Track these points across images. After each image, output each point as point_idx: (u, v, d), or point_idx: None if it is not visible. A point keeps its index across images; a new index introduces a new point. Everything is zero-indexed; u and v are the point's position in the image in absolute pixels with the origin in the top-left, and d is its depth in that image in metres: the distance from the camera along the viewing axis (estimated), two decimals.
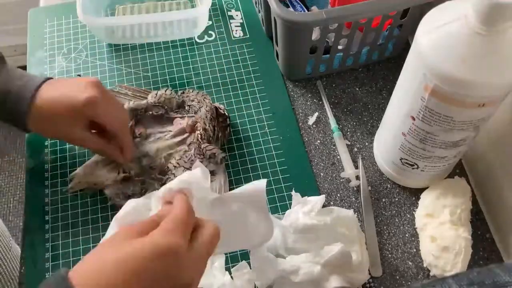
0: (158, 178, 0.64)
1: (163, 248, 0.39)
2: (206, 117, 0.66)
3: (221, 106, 0.70)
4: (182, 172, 0.63)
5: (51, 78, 0.61)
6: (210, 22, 0.82)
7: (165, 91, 0.70)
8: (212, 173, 0.65)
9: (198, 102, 0.69)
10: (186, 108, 0.69)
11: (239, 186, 0.66)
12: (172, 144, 0.67)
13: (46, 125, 0.60)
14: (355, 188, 0.66)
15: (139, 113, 0.69)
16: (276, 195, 0.66)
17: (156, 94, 0.69)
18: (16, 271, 0.81)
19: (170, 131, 0.68)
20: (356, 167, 0.68)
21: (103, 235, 0.63)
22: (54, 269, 0.61)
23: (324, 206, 0.65)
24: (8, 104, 0.58)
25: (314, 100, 0.74)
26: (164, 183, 0.64)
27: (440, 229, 0.59)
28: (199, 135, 0.65)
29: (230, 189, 0.65)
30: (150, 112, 0.69)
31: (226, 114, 0.69)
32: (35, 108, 0.58)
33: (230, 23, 0.83)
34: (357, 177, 0.66)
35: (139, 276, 0.38)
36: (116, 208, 0.64)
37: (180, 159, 0.64)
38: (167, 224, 0.41)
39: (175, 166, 0.64)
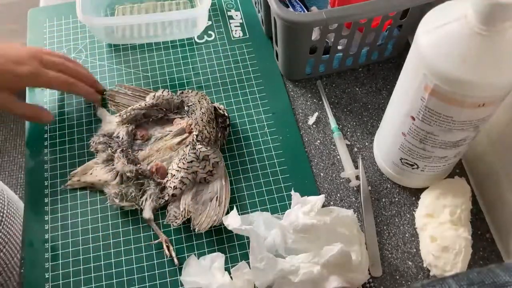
0: (158, 181, 0.64)
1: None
2: (202, 119, 0.66)
3: (221, 106, 0.69)
4: (183, 175, 0.63)
5: None
6: (210, 22, 0.82)
7: (163, 92, 0.70)
8: (212, 173, 0.65)
9: (196, 103, 0.69)
10: (186, 108, 0.69)
11: (239, 186, 0.66)
12: (172, 144, 0.67)
13: None
14: (355, 188, 0.66)
15: (139, 118, 0.69)
16: (276, 195, 0.66)
17: (154, 95, 0.69)
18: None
19: (171, 131, 0.68)
20: (356, 167, 0.68)
21: (103, 235, 0.63)
22: (54, 269, 0.61)
23: (324, 206, 0.65)
24: None
25: (314, 100, 0.74)
26: (164, 186, 0.64)
27: (440, 229, 0.59)
28: (194, 138, 0.65)
29: (231, 189, 0.65)
30: (150, 119, 0.69)
31: (226, 114, 0.69)
32: None
33: (230, 23, 0.83)
34: (357, 177, 0.66)
35: None
36: (115, 209, 0.64)
37: (179, 162, 0.64)
38: None
39: (177, 171, 0.64)
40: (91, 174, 0.66)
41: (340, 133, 0.70)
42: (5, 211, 0.79)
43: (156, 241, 0.62)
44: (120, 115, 0.69)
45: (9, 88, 0.63)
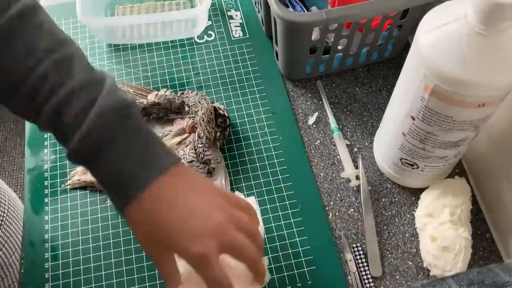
0: None
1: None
2: (203, 120, 0.66)
3: (221, 106, 0.69)
4: None
5: (181, 160, 0.48)
6: (210, 22, 0.82)
7: (165, 91, 0.70)
8: (211, 174, 0.65)
9: (196, 103, 0.69)
10: (186, 109, 0.69)
11: (239, 186, 0.66)
12: (173, 144, 0.67)
13: (146, 236, 0.46)
14: (355, 188, 0.66)
15: None
16: (275, 195, 0.65)
17: (156, 94, 0.70)
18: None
19: (170, 131, 0.68)
20: (356, 167, 0.68)
21: (103, 235, 0.63)
22: (54, 269, 0.61)
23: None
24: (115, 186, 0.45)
25: (314, 100, 0.74)
26: None
27: (440, 229, 0.59)
28: (195, 138, 0.65)
29: (231, 189, 0.65)
30: (151, 116, 0.69)
31: (226, 114, 0.69)
32: (138, 206, 0.44)
33: (230, 23, 0.83)
34: (357, 177, 0.66)
35: None
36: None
37: None
38: None
39: None
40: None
41: (340, 133, 0.70)
42: (6, 211, 0.79)
43: None
44: None
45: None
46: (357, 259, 0.61)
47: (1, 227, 0.77)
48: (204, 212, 0.45)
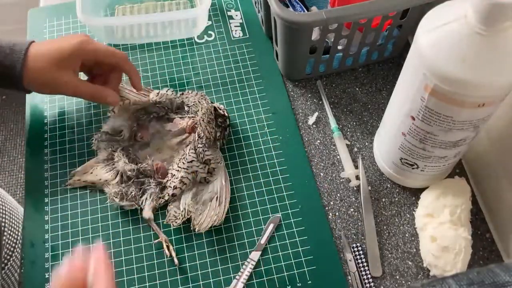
0: (158, 180, 0.64)
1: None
2: (203, 120, 0.66)
3: (221, 106, 0.69)
4: (183, 174, 0.63)
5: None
6: (210, 22, 0.82)
7: (167, 91, 0.70)
8: (211, 174, 0.65)
9: (195, 103, 0.69)
10: (186, 109, 0.70)
11: (239, 186, 0.66)
12: (172, 144, 0.67)
13: (40, 76, 0.62)
14: (355, 188, 0.66)
15: (140, 115, 0.69)
16: (275, 195, 0.65)
17: (158, 93, 0.70)
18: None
19: (170, 130, 0.68)
20: (356, 167, 0.68)
21: (103, 235, 0.63)
22: (54, 269, 0.61)
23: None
24: (1, 62, 0.61)
25: (314, 100, 0.74)
26: (164, 186, 0.64)
27: (440, 229, 0.59)
28: (195, 138, 0.65)
29: (231, 189, 0.65)
30: (151, 116, 0.69)
31: (226, 114, 0.69)
32: (28, 60, 0.61)
33: (230, 23, 0.83)
34: (357, 177, 0.66)
35: None
36: (115, 209, 0.64)
37: (179, 162, 0.64)
38: None
39: (177, 170, 0.64)
40: (91, 173, 0.66)
41: (340, 133, 0.70)
42: (7, 221, 0.79)
43: (156, 240, 0.62)
44: (122, 101, 0.69)
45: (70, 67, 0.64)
46: (357, 259, 0.61)
47: (1, 235, 0.77)
48: (67, 37, 0.64)
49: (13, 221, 0.80)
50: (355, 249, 0.62)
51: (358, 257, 0.61)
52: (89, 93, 0.65)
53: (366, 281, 0.60)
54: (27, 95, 0.74)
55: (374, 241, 0.62)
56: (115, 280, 0.60)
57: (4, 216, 0.79)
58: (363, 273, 0.60)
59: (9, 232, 0.79)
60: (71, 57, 0.62)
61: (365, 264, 0.61)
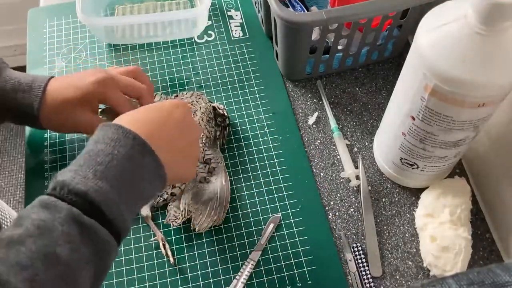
0: None
1: (178, 101, 0.54)
2: (202, 119, 0.66)
3: (220, 106, 0.69)
4: None
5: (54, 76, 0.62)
6: (210, 22, 0.82)
7: (154, 98, 0.69)
8: (211, 173, 0.65)
9: (193, 103, 0.68)
10: None
11: (239, 186, 0.66)
12: None
13: (57, 112, 0.59)
14: (355, 188, 0.66)
15: None
16: (275, 195, 0.65)
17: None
18: None
19: None
20: (356, 167, 0.68)
21: None
22: None
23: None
24: (20, 94, 0.58)
25: (314, 100, 0.74)
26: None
27: (440, 229, 0.59)
28: None
29: (231, 189, 0.65)
30: None
31: (226, 114, 0.69)
32: (47, 94, 0.58)
33: (230, 23, 0.83)
34: (357, 177, 0.66)
35: (169, 113, 0.50)
36: None
37: None
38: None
39: None
40: None
41: (340, 133, 0.70)
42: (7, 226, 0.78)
43: (153, 239, 0.62)
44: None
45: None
46: (357, 259, 0.61)
47: None
48: (86, 74, 0.60)
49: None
50: (355, 249, 0.62)
51: (358, 257, 0.61)
52: None
53: (366, 281, 0.60)
54: None
55: (374, 241, 0.62)
56: (115, 280, 0.60)
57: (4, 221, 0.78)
58: (363, 273, 0.60)
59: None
60: (87, 98, 0.58)
61: (365, 264, 0.61)
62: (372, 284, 0.59)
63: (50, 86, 0.59)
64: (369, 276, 0.60)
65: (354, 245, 0.62)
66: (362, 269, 0.60)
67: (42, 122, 0.60)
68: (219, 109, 0.69)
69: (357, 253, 0.61)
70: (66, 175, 0.42)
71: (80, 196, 0.40)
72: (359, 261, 0.61)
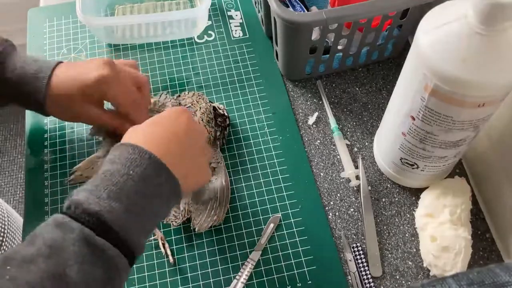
0: None
1: (179, 108, 0.53)
2: (202, 120, 0.66)
3: (220, 106, 0.69)
4: None
5: (62, 62, 0.61)
6: (210, 22, 0.82)
7: (160, 97, 0.69)
8: (211, 174, 0.65)
9: (193, 103, 0.68)
10: None
11: (239, 186, 0.66)
12: None
13: (62, 105, 0.59)
14: (355, 188, 0.66)
15: None
16: (275, 195, 0.65)
17: (154, 102, 0.68)
18: None
19: None
20: (356, 167, 0.68)
21: None
22: None
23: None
24: (26, 86, 0.58)
25: (314, 100, 0.74)
26: None
27: (440, 229, 0.59)
28: None
29: (231, 189, 0.65)
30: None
31: (226, 114, 0.69)
32: (51, 87, 0.58)
33: (230, 23, 0.83)
34: (357, 177, 0.66)
35: (175, 124, 0.51)
36: None
37: None
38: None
39: None
40: (92, 168, 0.65)
41: (340, 133, 0.70)
42: (6, 231, 0.78)
43: (152, 238, 0.62)
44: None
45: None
46: (357, 259, 0.61)
47: (1, 247, 0.77)
48: (91, 64, 0.59)
49: (12, 229, 0.80)
50: (355, 249, 0.62)
51: (358, 257, 0.61)
52: (111, 126, 0.62)
53: (366, 281, 0.60)
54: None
55: (374, 241, 0.62)
56: None
57: (3, 223, 0.78)
58: (363, 273, 0.60)
59: (9, 236, 0.78)
60: (90, 93, 0.58)
61: (365, 264, 0.61)
62: (372, 284, 0.59)
63: (55, 77, 0.59)
64: (369, 276, 0.60)
65: (354, 245, 0.62)
66: (362, 269, 0.60)
67: (48, 110, 0.60)
68: (219, 109, 0.69)
69: (357, 253, 0.61)
70: (81, 195, 0.42)
71: (93, 216, 0.40)
72: (359, 261, 0.61)
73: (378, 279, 0.60)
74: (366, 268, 0.60)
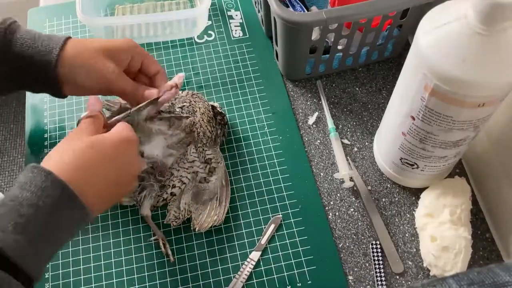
0: (158, 179, 0.64)
1: (126, 136, 0.50)
2: (203, 119, 0.66)
3: (216, 104, 0.69)
4: (182, 174, 0.63)
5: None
6: (210, 22, 0.82)
7: (182, 92, 0.68)
8: (212, 173, 0.65)
9: (191, 103, 0.68)
10: (178, 110, 0.68)
11: (239, 186, 0.66)
12: (172, 144, 0.67)
13: (82, 65, 0.54)
14: (355, 188, 0.66)
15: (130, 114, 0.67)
16: (275, 195, 0.65)
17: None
18: None
19: (169, 130, 0.68)
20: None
21: (102, 235, 0.63)
22: (53, 269, 0.61)
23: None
24: (36, 55, 0.54)
25: (314, 100, 0.74)
26: (164, 184, 0.64)
27: (440, 229, 0.59)
28: (196, 138, 0.65)
29: (231, 189, 0.65)
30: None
31: (223, 112, 0.69)
32: (66, 48, 0.54)
33: (230, 23, 0.83)
34: (351, 178, 0.66)
35: (111, 157, 0.48)
36: (115, 208, 0.64)
37: (179, 161, 0.64)
38: (121, 125, 0.52)
39: (177, 170, 0.64)
40: None
41: (337, 134, 0.70)
42: None
43: (152, 238, 0.62)
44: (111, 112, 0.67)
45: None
46: (374, 257, 0.61)
47: None
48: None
49: None
50: (374, 246, 0.62)
51: (375, 254, 0.61)
52: (136, 96, 0.58)
53: (379, 279, 0.59)
54: (27, 94, 0.74)
55: (388, 240, 0.62)
56: (116, 280, 0.60)
57: None
58: (378, 270, 0.60)
59: None
60: (122, 51, 0.55)
61: (380, 262, 0.61)
62: (384, 283, 0.59)
63: (70, 41, 0.55)
64: (382, 274, 0.60)
65: (373, 242, 0.62)
66: (377, 267, 0.60)
67: (62, 80, 0.55)
68: (217, 108, 0.68)
69: (375, 251, 0.61)
70: None
71: None
72: (376, 259, 0.61)
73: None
74: (381, 265, 0.61)
